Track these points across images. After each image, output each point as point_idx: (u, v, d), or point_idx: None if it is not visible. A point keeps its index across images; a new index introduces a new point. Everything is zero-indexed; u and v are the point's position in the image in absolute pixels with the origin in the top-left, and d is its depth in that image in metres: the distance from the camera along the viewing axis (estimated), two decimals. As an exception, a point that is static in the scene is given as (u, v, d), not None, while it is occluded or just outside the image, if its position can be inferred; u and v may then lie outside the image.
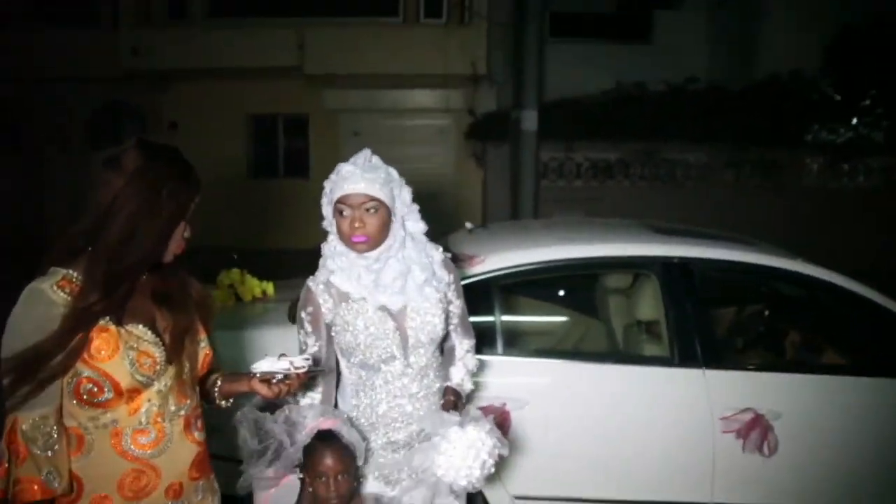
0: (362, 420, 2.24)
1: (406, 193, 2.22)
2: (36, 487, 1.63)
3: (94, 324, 1.67)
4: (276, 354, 1.93)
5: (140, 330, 1.76)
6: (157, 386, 1.76)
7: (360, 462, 2.11)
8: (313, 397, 2.23)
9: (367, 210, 2.10)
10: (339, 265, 2.20)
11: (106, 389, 1.69)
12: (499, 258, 3.17)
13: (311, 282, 2.26)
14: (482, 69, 11.43)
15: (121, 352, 1.70)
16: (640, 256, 3.26)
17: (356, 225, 2.10)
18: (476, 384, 2.64)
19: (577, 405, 3.06)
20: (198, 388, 1.94)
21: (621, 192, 11.26)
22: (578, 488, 3.08)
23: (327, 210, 2.21)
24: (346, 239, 2.15)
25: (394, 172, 2.20)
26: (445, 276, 2.32)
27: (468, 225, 3.80)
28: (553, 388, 3.06)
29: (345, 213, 2.12)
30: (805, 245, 3.57)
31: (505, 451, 2.13)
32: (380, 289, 2.17)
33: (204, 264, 2.20)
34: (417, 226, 2.26)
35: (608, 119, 10.69)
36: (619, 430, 3.06)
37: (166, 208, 1.73)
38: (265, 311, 3.72)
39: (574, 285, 4.31)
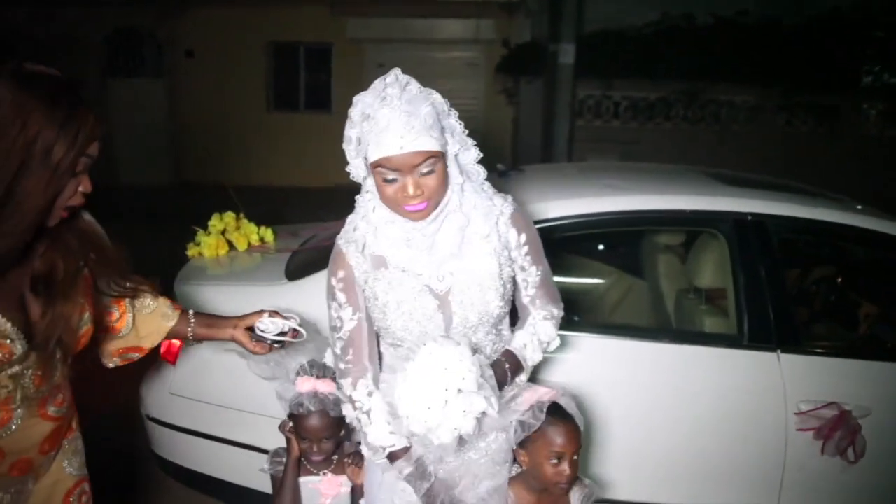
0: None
1: (453, 119, 1.67)
2: None
3: None
4: (266, 310, 1.86)
5: None
6: (8, 371, 1.45)
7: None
8: None
9: (424, 173, 1.56)
10: (379, 231, 1.70)
11: None
12: (544, 207, 2.61)
13: (340, 241, 1.76)
14: (517, -4, 10.69)
15: None
16: (707, 211, 2.65)
17: (411, 192, 1.57)
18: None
19: (613, 389, 2.50)
20: (68, 360, 1.61)
21: (661, 134, 10.61)
22: (613, 489, 2.55)
23: (356, 163, 1.67)
24: (394, 206, 1.62)
25: (438, 98, 1.63)
26: (514, 237, 1.77)
27: (500, 166, 3.18)
28: (585, 368, 2.50)
29: (391, 179, 1.57)
30: (861, 198, 2.97)
31: (488, 408, 1.54)
32: (432, 256, 1.69)
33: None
34: (473, 165, 1.72)
35: (651, 54, 9.94)
36: (664, 421, 2.53)
37: (37, 170, 1.31)
38: (260, 263, 3.19)
39: (615, 240, 3.75)
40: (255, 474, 2.27)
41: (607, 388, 2.47)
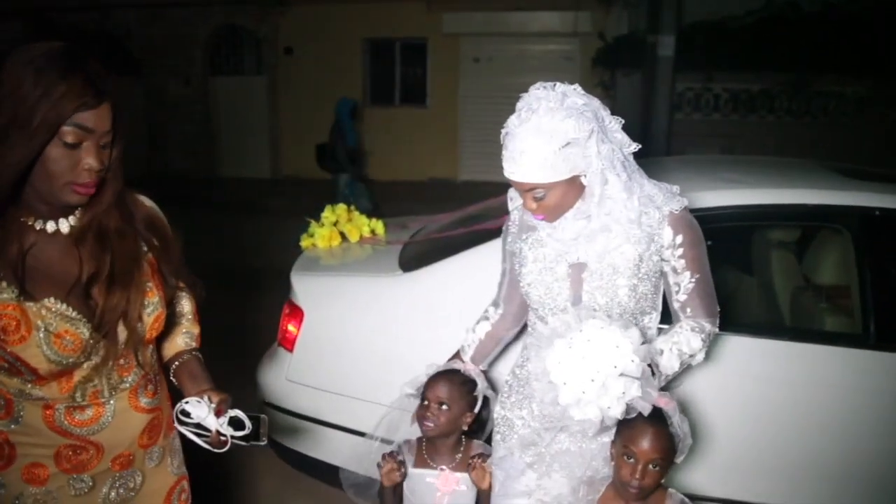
0: (521, 377, 1.92)
1: (599, 141, 1.64)
2: None
3: None
4: (211, 400, 1.56)
5: (57, 304, 1.41)
6: (92, 362, 1.47)
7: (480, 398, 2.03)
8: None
9: (536, 197, 1.68)
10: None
11: (24, 371, 1.41)
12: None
13: (510, 193, 1.91)
14: (614, -12, 10.55)
15: (34, 333, 1.38)
16: (832, 206, 2.55)
17: (531, 206, 1.71)
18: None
19: (724, 386, 2.43)
20: (151, 348, 1.65)
21: (764, 128, 10.29)
22: (721, 487, 2.49)
23: None
24: None
25: (570, 125, 1.59)
26: (668, 236, 1.74)
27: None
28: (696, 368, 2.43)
29: (516, 187, 1.73)
30: None
31: (640, 400, 1.57)
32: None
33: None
34: (619, 178, 1.68)
35: (753, 45, 9.62)
36: (777, 420, 2.43)
37: (14, 133, 1.30)
38: (373, 255, 3.25)
39: (726, 236, 3.65)
40: (369, 462, 2.29)
41: (718, 384, 2.41)
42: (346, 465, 2.49)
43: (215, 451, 1.55)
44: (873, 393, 2.40)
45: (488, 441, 2.11)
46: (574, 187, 1.67)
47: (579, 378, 1.55)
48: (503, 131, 1.67)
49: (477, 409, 2.03)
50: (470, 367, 2.04)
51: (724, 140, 9.84)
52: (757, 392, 2.44)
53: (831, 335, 2.63)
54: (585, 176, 1.66)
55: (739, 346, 2.47)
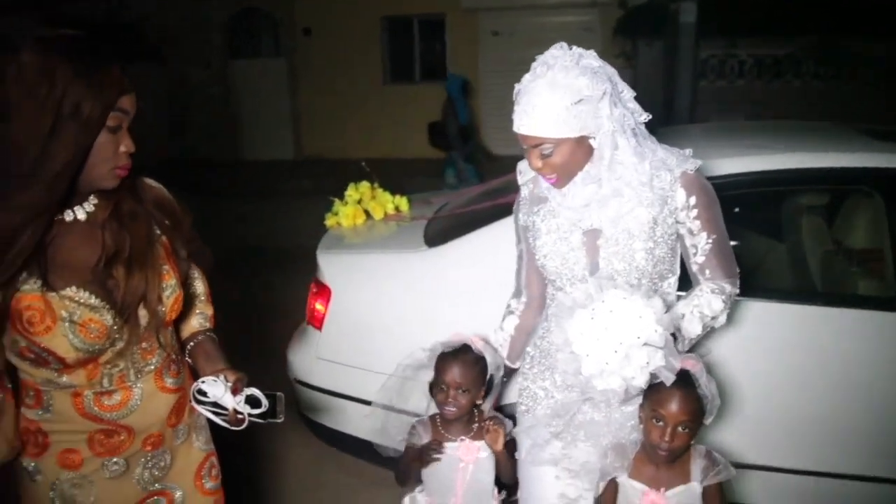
0: (543, 349, 1.90)
1: (611, 103, 1.64)
2: None
3: None
4: (227, 378, 1.57)
5: (80, 294, 1.43)
6: (116, 347, 1.50)
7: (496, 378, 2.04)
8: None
9: (543, 154, 1.66)
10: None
11: (51, 361, 1.44)
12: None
13: (520, 167, 1.90)
14: (634, -46, 10.38)
15: (59, 324, 1.40)
16: (862, 169, 2.51)
17: (536, 164, 1.69)
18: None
19: (754, 351, 2.42)
20: (171, 331, 1.68)
21: (790, 92, 10.12)
22: (750, 453, 2.48)
23: None
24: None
25: (584, 83, 1.60)
26: (681, 197, 1.74)
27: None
28: (726, 329, 2.39)
29: (525, 148, 1.70)
30: None
31: (664, 370, 1.56)
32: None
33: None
34: (628, 142, 1.68)
35: (778, 7, 9.41)
36: (810, 385, 2.42)
37: (67, 127, 1.32)
38: (398, 231, 3.27)
39: (754, 201, 3.60)
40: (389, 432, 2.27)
41: (748, 350, 2.41)
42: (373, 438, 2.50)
43: (233, 429, 1.57)
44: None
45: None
46: (582, 148, 1.66)
47: (602, 349, 1.54)
48: (516, 88, 1.66)
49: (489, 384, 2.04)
50: (477, 341, 2.01)
51: (749, 106, 9.67)
52: (788, 357, 2.43)
53: (864, 299, 2.60)
54: (595, 138, 1.65)
55: (769, 312, 2.45)
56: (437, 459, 2.04)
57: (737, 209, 3.66)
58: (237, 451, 2.00)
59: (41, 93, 1.29)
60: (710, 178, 2.47)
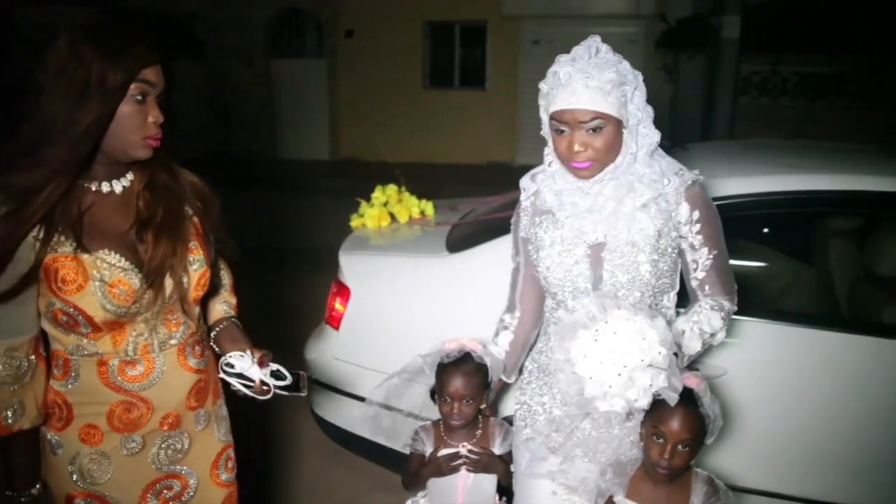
0: (542, 364, 1.89)
1: (641, 93, 1.70)
2: None
3: (12, 245, 1.44)
4: (253, 354, 1.71)
5: (111, 256, 1.54)
6: (143, 315, 1.59)
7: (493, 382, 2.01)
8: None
9: (591, 130, 1.63)
10: (549, 185, 1.81)
11: (81, 323, 1.54)
12: (715, 185, 2.48)
13: (523, 183, 1.90)
14: (678, -32, 10.27)
15: (90, 283, 1.51)
16: (891, 193, 2.45)
17: (577, 148, 1.64)
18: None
19: (779, 381, 2.38)
20: (198, 311, 1.75)
21: (834, 112, 9.91)
22: (769, 480, 2.44)
23: (544, 118, 1.75)
24: (563, 161, 1.71)
25: (626, 67, 1.68)
26: (685, 211, 1.75)
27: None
28: (748, 357, 2.37)
29: (563, 132, 1.66)
30: None
31: (668, 391, 1.55)
32: (592, 214, 1.73)
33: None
34: (650, 135, 1.72)
35: (823, 25, 9.26)
36: (832, 412, 2.37)
37: (93, 97, 1.45)
38: (422, 236, 3.28)
39: (785, 223, 3.54)
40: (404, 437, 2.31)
41: (771, 375, 2.37)
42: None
43: (259, 398, 1.68)
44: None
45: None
46: (619, 137, 1.66)
47: (606, 372, 1.53)
48: (552, 72, 1.67)
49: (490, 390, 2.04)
50: (477, 347, 1.99)
51: (791, 125, 9.53)
52: (809, 383, 2.38)
53: (892, 328, 2.53)
54: (626, 128, 1.66)
55: (796, 337, 2.41)
56: (456, 469, 2.03)
57: (766, 229, 3.63)
58: (254, 446, 2.02)
59: (70, 70, 1.43)
60: (737, 196, 2.48)
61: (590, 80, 1.59)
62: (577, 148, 1.63)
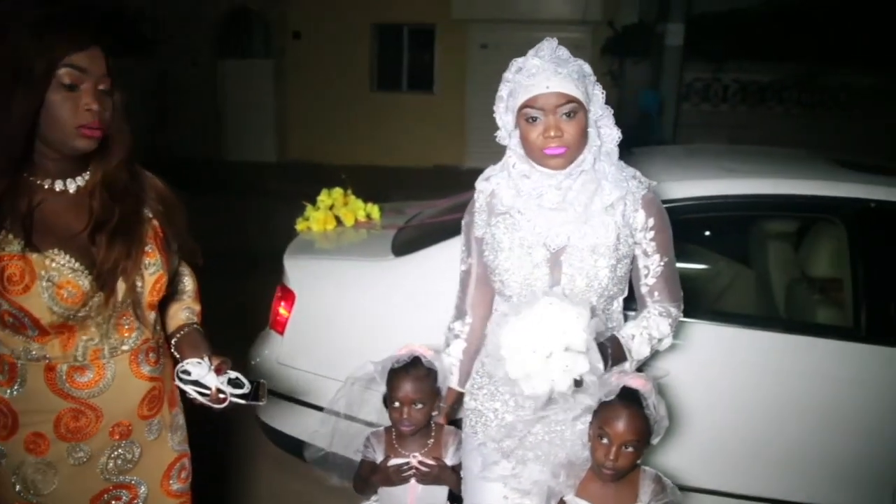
0: (490, 369, 1.80)
1: (599, 92, 1.75)
2: None
3: None
4: (211, 361, 1.63)
5: (61, 256, 1.48)
6: (94, 320, 1.53)
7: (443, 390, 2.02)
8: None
9: (565, 115, 1.65)
10: (512, 184, 1.78)
11: (28, 325, 1.47)
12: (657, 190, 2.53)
13: (479, 185, 1.89)
14: (624, -25, 10.46)
15: (37, 283, 1.44)
16: (827, 197, 2.53)
17: (551, 134, 1.65)
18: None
19: (717, 376, 2.44)
20: (154, 317, 1.68)
21: (772, 119, 10.20)
22: (707, 478, 2.50)
23: (505, 119, 1.77)
24: (536, 152, 1.69)
25: (586, 66, 1.73)
26: (641, 219, 1.77)
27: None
28: (691, 358, 2.41)
29: (535, 119, 1.67)
30: None
31: (588, 374, 1.57)
32: (557, 215, 1.72)
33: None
34: (612, 133, 1.76)
35: (764, 35, 9.51)
36: (768, 411, 2.44)
37: (22, 85, 1.38)
38: (367, 239, 3.26)
39: (724, 225, 3.62)
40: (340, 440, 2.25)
41: (710, 375, 2.42)
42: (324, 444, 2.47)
43: (214, 407, 1.61)
44: (861, 385, 2.39)
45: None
46: (586, 128, 1.70)
47: (523, 351, 1.56)
48: (517, 68, 1.71)
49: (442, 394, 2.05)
50: (426, 352, 2.00)
51: (732, 131, 9.73)
52: (749, 383, 2.44)
53: (823, 328, 2.62)
54: (589, 122, 1.70)
55: (735, 338, 2.47)
56: (406, 480, 2.03)
57: (707, 232, 3.71)
58: (205, 454, 1.99)
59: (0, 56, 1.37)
60: (680, 200, 2.52)
61: (560, 68, 1.65)
62: (552, 133, 1.64)
